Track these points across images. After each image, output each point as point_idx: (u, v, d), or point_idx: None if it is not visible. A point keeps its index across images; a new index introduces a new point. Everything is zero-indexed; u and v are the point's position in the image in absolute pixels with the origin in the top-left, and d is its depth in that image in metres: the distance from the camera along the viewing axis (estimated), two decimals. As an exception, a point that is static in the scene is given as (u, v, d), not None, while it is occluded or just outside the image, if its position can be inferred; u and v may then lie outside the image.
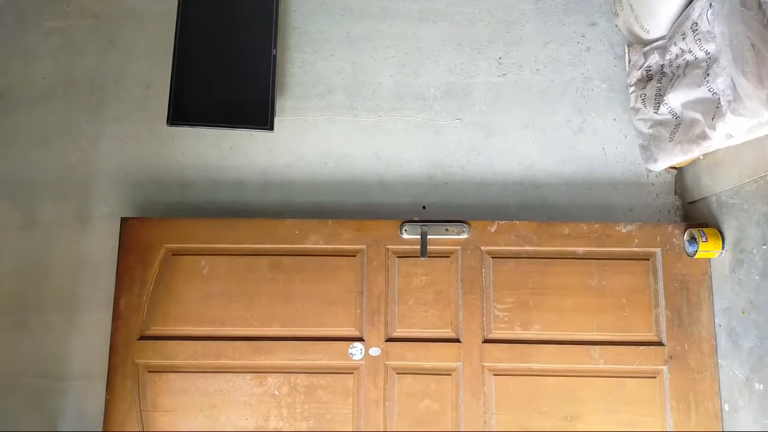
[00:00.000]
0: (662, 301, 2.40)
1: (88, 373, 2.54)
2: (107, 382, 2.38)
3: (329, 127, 2.77)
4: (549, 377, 2.36)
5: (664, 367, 2.36)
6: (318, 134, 2.77)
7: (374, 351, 2.39)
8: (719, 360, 2.34)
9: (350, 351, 2.38)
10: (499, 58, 2.82)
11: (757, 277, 2.13)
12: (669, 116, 2.45)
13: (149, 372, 2.38)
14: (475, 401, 2.35)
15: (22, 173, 2.71)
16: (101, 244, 2.62)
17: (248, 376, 2.38)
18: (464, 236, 2.46)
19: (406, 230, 2.47)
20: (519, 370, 2.38)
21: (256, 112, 2.65)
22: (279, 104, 2.73)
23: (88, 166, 2.73)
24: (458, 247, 2.47)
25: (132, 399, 2.35)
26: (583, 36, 2.83)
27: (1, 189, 2.70)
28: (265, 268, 2.46)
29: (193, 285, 2.44)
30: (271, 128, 2.64)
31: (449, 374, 2.38)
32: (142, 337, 2.40)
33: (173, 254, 2.46)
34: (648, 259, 2.45)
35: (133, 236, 2.47)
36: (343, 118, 2.78)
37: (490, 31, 2.84)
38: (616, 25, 2.77)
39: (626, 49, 2.73)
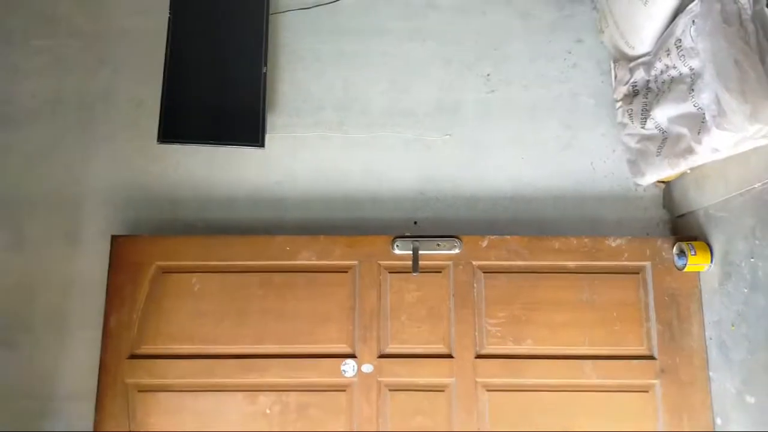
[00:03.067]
0: (653, 315, 2.42)
1: (77, 392, 2.50)
2: (96, 401, 2.34)
3: (320, 144, 2.79)
4: (542, 392, 2.36)
5: (656, 381, 2.36)
6: (309, 151, 2.78)
7: (367, 368, 2.38)
8: (710, 373, 2.35)
9: (343, 368, 2.37)
10: (488, 75, 2.85)
11: (745, 290, 2.15)
12: (656, 131, 2.48)
13: (139, 391, 2.35)
14: (468, 417, 2.34)
15: (10, 192, 2.70)
16: (91, 263, 2.60)
17: (240, 395, 2.36)
18: (456, 251, 2.46)
19: (398, 246, 2.47)
20: (512, 386, 2.37)
21: (247, 129, 2.66)
22: (270, 121, 2.74)
23: (78, 184, 2.72)
24: (450, 262, 2.47)
25: (121, 419, 2.32)
26: (570, 53, 2.87)
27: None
28: (257, 285, 2.45)
29: (184, 303, 2.43)
30: (262, 145, 2.65)
31: (442, 390, 2.37)
32: (133, 356, 2.38)
33: (164, 272, 2.45)
34: (638, 273, 2.46)
35: (123, 254, 2.45)
36: (334, 134, 2.79)
37: (478, 49, 2.88)
38: (602, 42, 2.82)
39: (612, 65, 2.77)
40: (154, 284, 2.44)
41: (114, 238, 2.48)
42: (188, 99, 2.66)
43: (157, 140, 2.57)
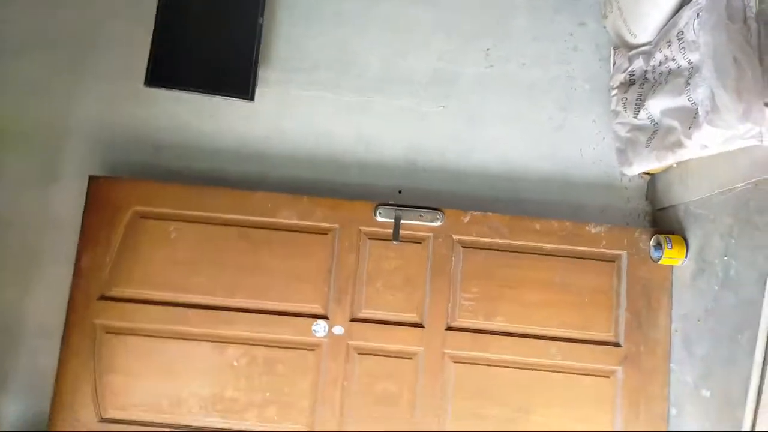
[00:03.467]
0: (623, 303, 2.45)
1: (45, 330, 2.49)
2: (63, 339, 2.34)
3: (313, 103, 2.74)
4: (507, 368, 2.40)
5: (619, 368, 2.41)
6: (301, 109, 2.74)
7: (338, 330, 2.39)
8: (672, 365, 2.40)
9: (314, 328, 2.38)
10: (487, 50, 2.81)
11: (716, 287, 2.19)
12: (647, 122, 2.48)
13: (107, 333, 2.34)
14: (432, 386, 2.38)
15: (-10, 121, 2.62)
16: (68, 202, 2.56)
17: (208, 346, 2.36)
18: (437, 224, 2.46)
19: (380, 213, 2.46)
20: (479, 359, 2.41)
21: (238, 81, 2.61)
22: (262, 75, 2.68)
23: (61, 121, 2.65)
24: (431, 234, 2.47)
25: (86, 358, 2.32)
26: (571, 35, 2.84)
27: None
28: (235, 239, 2.43)
29: (160, 250, 2.41)
30: (252, 99, 2.60)
31: (410, 358, 2.40)
32: (103, 298, 2.36)
33: (141, 217, 2.42)
34: (614, 261, 2.49)
35: (101, 195, 2.42)
36: (327, 95, 2.75)
37: (481, 22, 2.83)
38: (605, 27, 2.79)
39: (612, 52, 2.75)
40: (130, 228, 2.41)
41: (92, 179, 2.44)
42: (180, 44, 2.59)
43: (144, 83, 2.51)
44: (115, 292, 2.37)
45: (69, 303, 2.36)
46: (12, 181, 2.60)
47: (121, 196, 2.42)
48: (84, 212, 2.41)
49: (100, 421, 2.30)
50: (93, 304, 2.35)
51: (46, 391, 2.39)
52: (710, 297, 2.21)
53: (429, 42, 2.81)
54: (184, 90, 2.57)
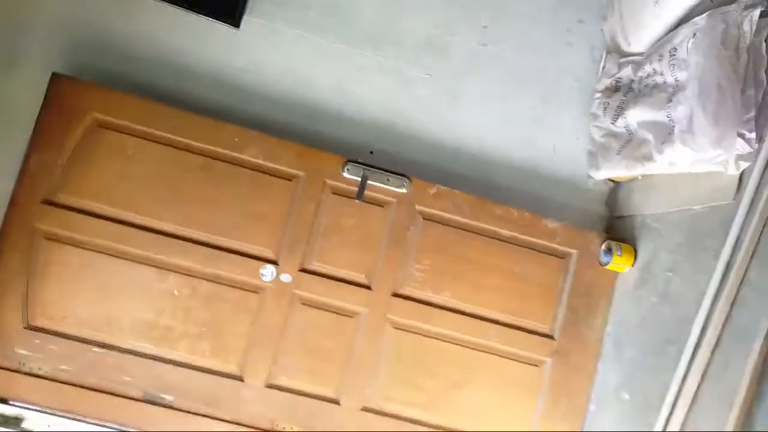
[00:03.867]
0: (565, 300, 2.53)
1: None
2: (-1, 238, 2.23)
3: (297, 43, 2.65)
4: (445, 343, 2.45)
5: (549, 359, 2.50)
6: (284, 47, 2.64)
7: (285, 277, 2.37)
8: (599, 365, 2.50)
9: (262, 271, 2.35)
10: (485, 27, 2.78)
11: (654, 299, 2.28)
12: (623, 130, 2.52)
13: (46, 239, 2.24)
14: (369, 348, 2.41)
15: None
16: (25, 95, 2.39)
17: (151, 270, 2.30)
18: (403, 191, 2.46)
19: (348, 169, 2.43)
20: (419, 330, 2.44)
21: (226, 4, 2.49)
22: (251, 4, 2.57)
23: (29, 9, 2.47)
24: (394, 200, 2.46)
25: (22, 262, 2.22)
26: (569, 30, 2.83)
27: None
28: (196, 168, 2.36)
29: (115, 163, 2.31)
30: (237, 26, 2.50)
31: (352, 317, 2.41)
32: (47, 202, 2.25)
33: (100, 126, 2.31)
34: (564, 258, 2.56)
35: (61, 95, 2.28)
36: (314, 38, 2.66)
37: (483, -3, 2.79)
38: (602, 29, 2.80)
39: (604, 55, 2.76)
40: (87, 136, 2.29)
41: (54, 76, 2.29)
42: (170, -49, 2.44)
43: (129, -13, 2.36)
44: (62, 198, 2.26)
45: (10, 202, 2.24)
46: (-35, 62, 2.42)
47: (83, 101, 2.29)
48: (41, 110, 2.27)
49: (25, 327, 2.22)
50: (36, 207, 2.24)
51: None
52: (647, 307, 2.30)
53: (428, 6, 2.75)
54: (171, 3, 2.44)
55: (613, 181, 2.77)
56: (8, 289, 2.21)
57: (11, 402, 2.23)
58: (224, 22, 2.49)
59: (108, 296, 2.27)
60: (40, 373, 2.22)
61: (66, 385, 2.24)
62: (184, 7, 2.45)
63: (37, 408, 2.25)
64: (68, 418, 2.26)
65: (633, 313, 2.39)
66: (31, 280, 2.22)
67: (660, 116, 2.29)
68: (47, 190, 2.26)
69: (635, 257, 2.46)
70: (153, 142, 2.34)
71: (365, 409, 2.38)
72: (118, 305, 2.27)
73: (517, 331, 2.50)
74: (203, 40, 2.58)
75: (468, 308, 2.48)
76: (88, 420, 2.27)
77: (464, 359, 2.45)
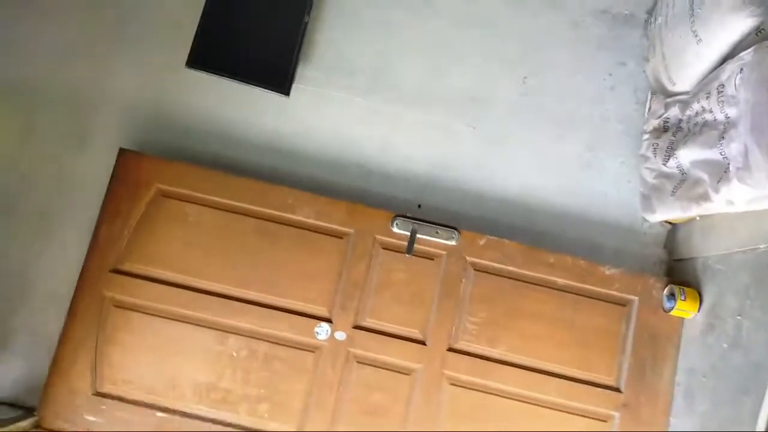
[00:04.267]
0: (629, 349, 2.43)
1: (54, 295, 2.51)
2: (70, 306, 2.36)
3: (344, 107, 2.76)
4: (503, 398, 2.38)
5: (616, 414, 2.38)
6: (331, 111, 2.76)
7: (340, 335, 2.39)
8: (671, 418, 2.36)
9: (316, 330, 2.38)
10: (525, 78, 2.82)
11: (725, 345, 2.16)
12: (676, 171, 2.47)
13: (114, 306, 2.36)
14: (426, 405, 2.36)
15: (31, 81, 2.66)
16: (94, 170, 2.59)
17: (211, 333, 2.37)
18: (452, 243, 2.46)
19: (397, 224, 2.46)
20: (476, 385, 2.39)
21: (276, 74, 2.64)
22: (299, 72, 2.71)
23: (98, 89, 2.69)
24: (444, 253, 2.47)
25: (90, 328, 2.33)
26: (610, 74, 2.84)
27: (3, 92, 2.65)
28: (251, 231, 2.45)
29: (177, 231, 2.43)
30: (287, 94, 2.63)
31: (408, 374, 2.39)
32: (115, 270, 2.38)
33: (164, 195, 2.45)
34: (624, 306, 2.47)
35: (127, 169, 2.45)
36: (360, 100, 2.77)
37: (522, 50, 2.84)
38: (644, 71, 2.79)
39: (649, 96, 2.74)
40: (152, 205, 2.43)
41: (122, 151, 2.47)
42: (226, 31, 2.62)
43: (186, 64, 2.55)
44: (128, 266, 2.39)
45: (82, 271, 2.38)
46: (42, 141, 2.64)
47: (148, 173, 2.44)
48: (109, 183, 2.44)
49: (94, 394, 2.31)
50: (105, 276, 2.37)
51: (47, 357, 2.39)
52: (718, 354, 2.18)
53: (467, 62, 2.82)
54: (224, 76, 2.60)
55: (669, 223, 2.69)
56: (78, 356, 2.32)
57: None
58: (275, 91, 2.63)
59: (171, 360, 2.35)
60: (108, 438, 2.30)
61: (132, 450, 2.30)
62: (237, 80, 2.61)
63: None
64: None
65: (702, 361, 2.26)
66: (99, 347, 2.33)
67: (713, 154, 2.23)
68: (115, 259, 2.39)
69: (700, 301, 2.35)
70: (211, 208, 2.45)
71: (426, 469, 2.33)
72: (180, 368, 2.34)
73: (579, 385, 2.40)
74: (255, 109, 2.73)
75: (526, 361, 2.41)
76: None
77: (524, 415, 2.37)
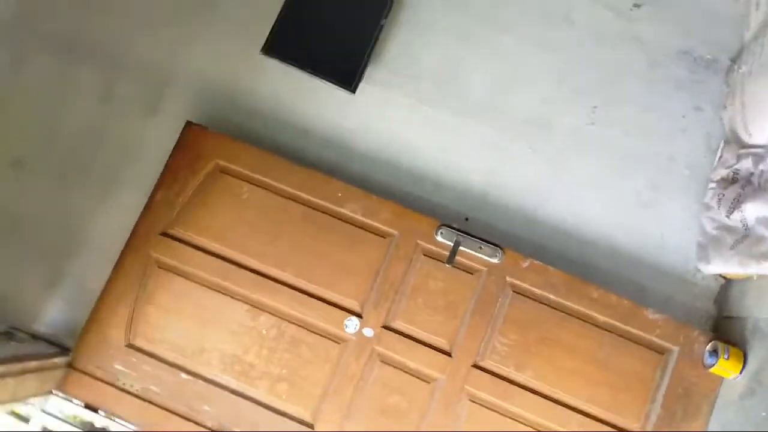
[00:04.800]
0: (660, 399, 2.34)
1: (104, 249, 2.62)
2: (118, 260, 2.47)
3: (406, 111, 2.78)
4: (522, 424, 2.33)
5: (637, 462, 2.29)
6: (394, 113, 2.78)
7: (368, 332, 2.40)
8: (695, 477, 2.26)
9: (346, 322, 2.40)
10: (594, 107, 2.77)
11: (763, 414, 2.05)
12: (739, 225, 2.37)
13: (158, 267, 2.45)
14: (442, 416, 2.34)
15: (115, 48, 2.80)
16: (161, 138, 2.69)
17: (245, 308, 2.42)
18: (495, 261, 2.44)
19: (442, 233, 2.46)
20: (496, 407, 2.35)
21: (346, 72, 2.69)
22: (368, 72, 2.75)
23: (176, 61, 2.81)
24: (485, 269, 2.45)
25: (133, 285, 2.43)
26: (684, 116, 2.75)
27: (89, 53, 2.80)
28: (298, 216, 2.49)
29: (228, 206, 2.50)
30: (354, 92, 2.67)
31: (428, 382, 2.37)
32: (165, 234, 2.47)
33: (221, 171, 2.53)
34: (663, 354, 2.38)
35: (191, 141, 2.54)
36: (423, 107, 2.79)
37: (595, 79, 2.79)
38: (721, 118, 2.69)
39: (722, 145, 2.64)
40: (209, 178, 2.52)
41: (188, 124, 2.57)
42: (304, 23, 2.69)
43: (261, 51, 2.63)
44: (177, 232, 2.48)
45: (133, 229, 2.49)
46: (119, 103, 2.77)
47: (209, 147, 2.53)
48: (172, 152, 2.54)
49: (126, 345, 2.40)
50: (154, 237, 2.47)
51: (88, 305, 2.49)
52: (755, 422, 2.07)
53: (537, 84, 2.80)
54: (295, 66, 2.67)
55: (724, 277, 2.58)
56: (117, 308, 2.42)
57: (100, 412, 2.39)
58: (342, 87, 2.68)
59: (203, 326, 2.41)
60: (132, 390, 2.37)
61: (152, 405, 2.36)
62: (307, 72, 2.68)
63: (122, 421, 2.39)
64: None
65: (737, 425, 2.15)
66: (138, 303, 2.42)
67: (782, 213, 2.14)
68: (166, 223, 2.48)
69: (744, 363, 2.24)
70: (264, 189, 2.52)
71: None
72: (210, 336, 2.40)
73: (603, 425, 2.33)
74: (320, 102, 2.79)
75: (551, 392, 2.36)
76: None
77: (541, 445, 2.31)
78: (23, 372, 2.21)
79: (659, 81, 2.79)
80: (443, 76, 2.82)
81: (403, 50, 2.83)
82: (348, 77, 2.69)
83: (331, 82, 2.69)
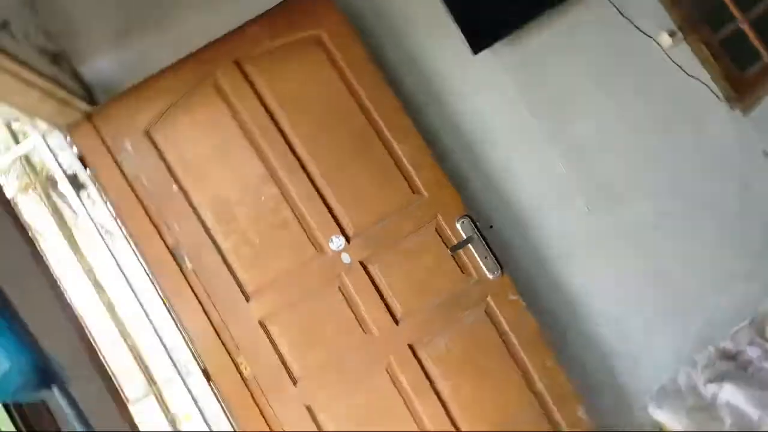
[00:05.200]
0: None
1: (180, 39, 2.55)
2: (181, 59, 2.47)
3: (508, 102, 2.70)
4: (413, 423, 2.38)
5: None
6: (494, 95, 2.70)
7: (346, 257, 2.40)
8: None
9: (333, 238, 2.40)
10: (666, 214, 2.71)
11: None
12: (708, 396, 2.42)
13: (214, 87, 2.48)
14: (355, 365, 2.41)
15: None
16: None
17: (262, 169, 2.45)
18: (489, 275, 2.42)
19: (462, 223, 2.44)
20: (402, 391, 2.39)
21: (480, 32, 2.61)
22: (499, 46, 2.65)
23: None
24: (476, 277, 2.43)
25: (183, 87, 2.46)
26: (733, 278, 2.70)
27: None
28: (357, 127, 2.48)
29: (305, 77, 2.50)
30: (475, 53, 2.63)
31: (365, 332, 2.42)
32: (237, 63, 2.48)
33: (317, 44, 2.50)
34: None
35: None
36: (524, 110, 2.71)
37: (689, 204, 2.74)
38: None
39: (746, 322, 2.59)
40: (304, 43, 2.50)
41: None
42: None
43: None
44: (249, 69, 2.46)
45: (211, 43, 2.45)
46: None
47: (326, 18, 2.50)
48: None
49: (144, 132, 2.44)
50: (226, 60, 2.43)
51: (134, 79, 2.45)
52: None
53: (634, 161, 2.74)
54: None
55: (662, 429, 2.57)
56: (157, 97, 2.44)
57: (88, 171, 2.45)
58: (469, 43, 2.62)
59: (217, 159, 2.43)
60: (125, 170, 2.41)
61: (132, 194, 2.41)
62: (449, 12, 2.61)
63: (97, 192, 2.45)
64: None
65: None
66: (177, 106, 2.45)
67: None
68: (244, 56, 2.46)
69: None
70: (341, 83, 2.48)
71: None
72: (218, 171, 2.42)
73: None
74: (439, 45, 2.71)
75: (456, 413, 2.38)
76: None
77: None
78: (52, 95, 2.24)
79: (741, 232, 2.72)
80: (558, 98, 2.74)
81: (541, 49, 2.75)
82: (478, 39, 2.62)
83: (462, 31, 2.61)
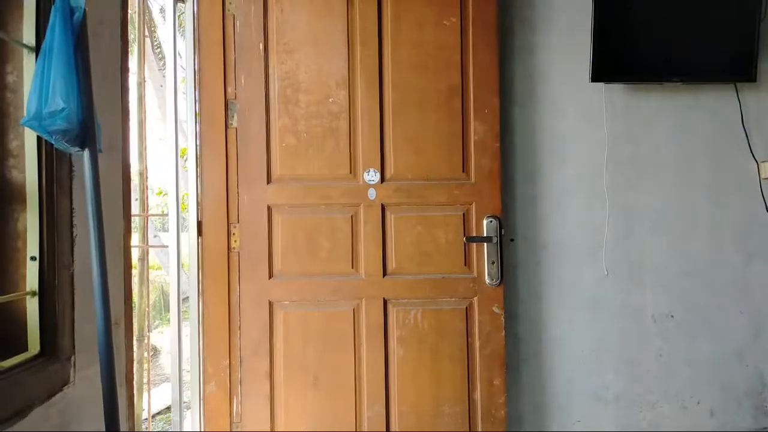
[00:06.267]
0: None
1: None
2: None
3: (590, 158, 2.70)
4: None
5: None
6: (584, 133, 2.71)
7: (372, 193, 2.43)
8: None
9: (371, 170, 2.44)
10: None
11: None
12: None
13: None
14: (343, 288, 2.45)
15: None
16: None
17: (344, 68, 2.46)
18: (487, 280, 2.44)
19: (489, 221, 2.45)
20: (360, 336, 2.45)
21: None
22: (618, 90, 2.65)
23: None
24: (476, 275, 2.46)
25: None
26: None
27: None
28: (444, 91, 2.48)
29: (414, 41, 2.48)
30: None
31: (356, 270, 2.46)
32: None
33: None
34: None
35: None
36: (601, 178, 2.70)
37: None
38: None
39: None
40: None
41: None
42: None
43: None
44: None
45: None
46: None
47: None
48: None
49: None
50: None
51: None
52: None
53: (689, 282, 2.73)
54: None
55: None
56: None
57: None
58: (592, 66, 2.58)
59: (312, 41, 2.45)
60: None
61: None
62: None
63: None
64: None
65: None
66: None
67: None
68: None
69: None
70: (465, 34, 2.47)
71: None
72: (308, 51, 2.45)
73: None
74: (563, 63, 2.70)
75: (391, 377, 2.43)
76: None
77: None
78: None
79: None
80: (638, 163, 2.71)
81: (653, 110, 2.70)
82: (604, 68, 2.56)
83: (593, 52, 2.54)
